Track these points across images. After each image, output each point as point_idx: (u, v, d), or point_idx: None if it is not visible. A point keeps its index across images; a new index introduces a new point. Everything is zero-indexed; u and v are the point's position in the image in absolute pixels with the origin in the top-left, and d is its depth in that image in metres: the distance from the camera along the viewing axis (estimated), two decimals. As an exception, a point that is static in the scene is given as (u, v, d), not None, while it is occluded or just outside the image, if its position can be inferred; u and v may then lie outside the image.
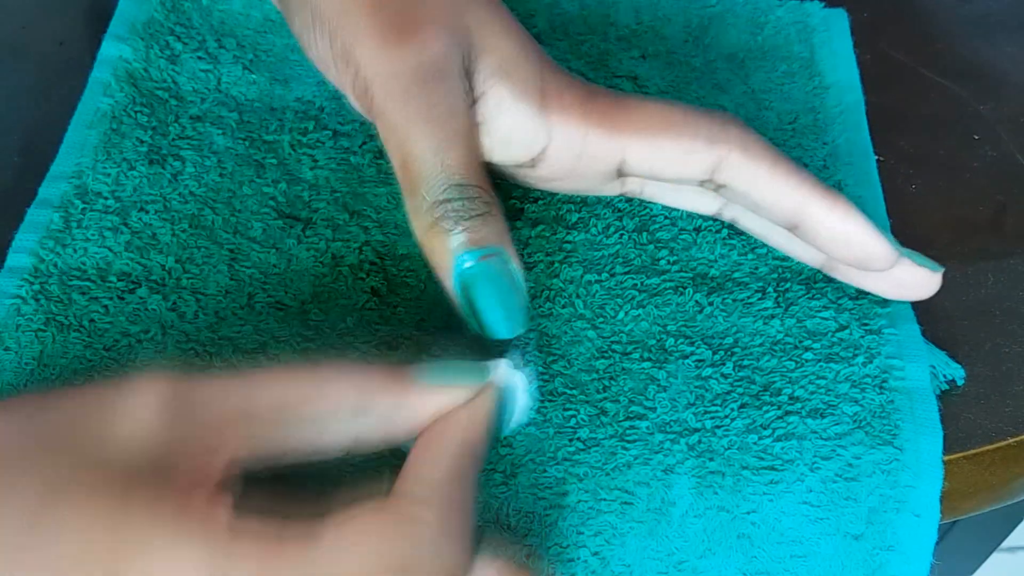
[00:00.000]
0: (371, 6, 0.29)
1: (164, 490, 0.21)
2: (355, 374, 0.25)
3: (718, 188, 0.31)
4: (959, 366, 0.32)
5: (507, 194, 0.35)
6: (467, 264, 0.27)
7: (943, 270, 0.31)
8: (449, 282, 0.28)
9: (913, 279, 0.31)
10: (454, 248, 0.28)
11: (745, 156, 0.30)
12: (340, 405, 0.24)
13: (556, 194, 0.35)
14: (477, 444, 0.25)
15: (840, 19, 0.41)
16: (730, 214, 0.33)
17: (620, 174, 0.32)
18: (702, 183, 0.31)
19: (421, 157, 0.28)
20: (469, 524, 0.24)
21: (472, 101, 0.30)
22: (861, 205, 0.35)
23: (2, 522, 0.21)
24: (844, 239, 0.30)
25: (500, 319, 0.28)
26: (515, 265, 0.28)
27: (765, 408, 0.30)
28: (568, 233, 0.34)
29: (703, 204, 0.33)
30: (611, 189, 0.33)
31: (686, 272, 0.33)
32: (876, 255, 0.30)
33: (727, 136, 0.30)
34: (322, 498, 0.23)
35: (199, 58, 0.38)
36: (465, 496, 0.24)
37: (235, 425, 0.23)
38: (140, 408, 0.22)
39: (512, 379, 0.27)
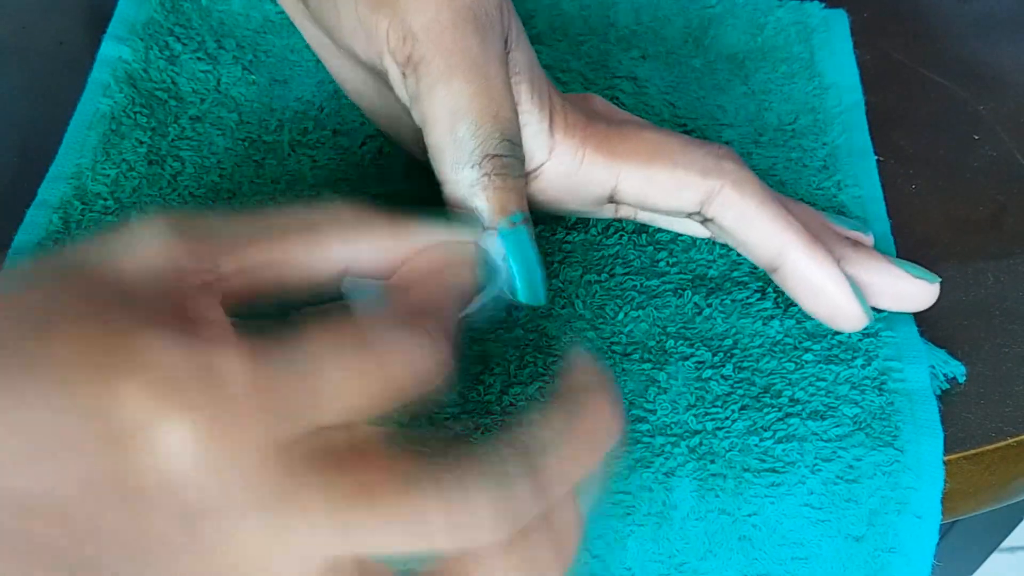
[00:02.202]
0: None
1: (158, 308, 0.21)
2: (353, 210, 0.25)
3: (705, 221, 0.31)
4: (959, 363, 0.32)
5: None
6: (512, 225, 0.28)
7: (940, 281, 0.32)
8: (491, 240, 0.28)
9: (911, 292, 0.31)
10: (506, 206, 0.28)
11: (736, 192, 0.30)
12: (335, 232, 0.25)
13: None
14: (462, 277, 0.26)
15: (840, 19, 0.41)
16: (708, 211, 0.33)
17: (612, 200, 0.32)
18: (690, 215, 0.31)
19: (471, 108, 0.28)
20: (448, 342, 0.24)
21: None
22: (861, 205, 0.36)
23: None
24: (817, 291, 0.30)
25: (528, 284, 0.28)
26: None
27: (766, 410, 0.30)
28: (568, 234, 0.34)
29: (698, 231, 0.34)
30: (604, 213, 0.33)
31: (685, 274, 0.33)
32: (846, 315, 0.30)
33: (721, 171, 0.30)
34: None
35: (199, 59, 0.38)
36: (445, 322, 0.24)
37: (232, 250, 0.23)
38: (137, 240, 0.22)
39: (498, 249, 0.28)
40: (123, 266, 0.21)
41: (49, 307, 0.20)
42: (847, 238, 0.33)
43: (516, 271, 0.28)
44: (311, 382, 0.21)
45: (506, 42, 0.29)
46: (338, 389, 0.21)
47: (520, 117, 0.29)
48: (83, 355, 0.19)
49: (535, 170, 0.30)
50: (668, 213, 0.31)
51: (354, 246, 0.25)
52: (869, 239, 0.34)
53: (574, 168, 0.30)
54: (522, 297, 0.28)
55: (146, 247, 0.22)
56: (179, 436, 0.19)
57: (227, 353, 0.20)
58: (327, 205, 0.25)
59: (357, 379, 0.21)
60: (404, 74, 0.28)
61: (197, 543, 0.20)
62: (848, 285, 0.30)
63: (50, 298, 0.20)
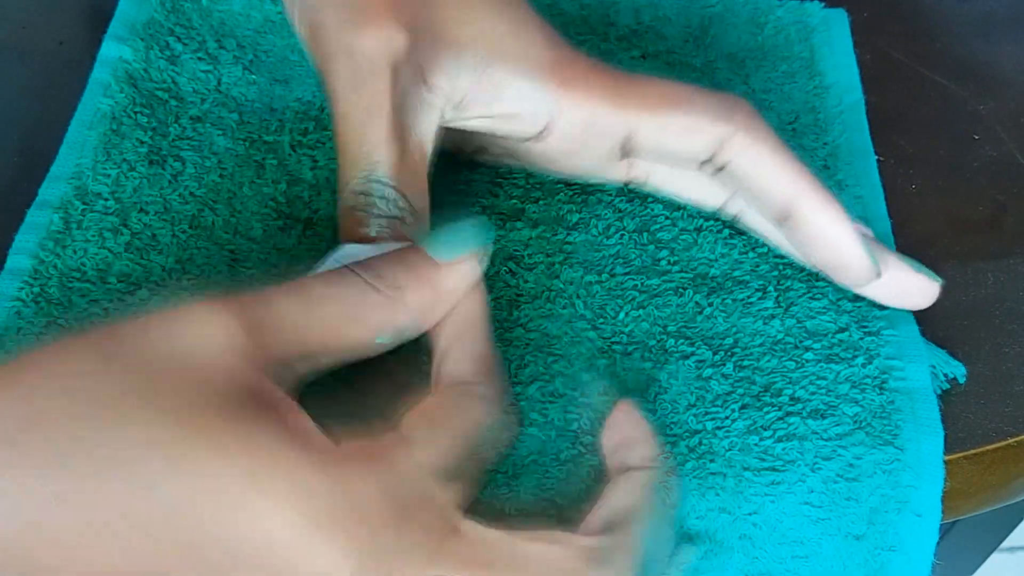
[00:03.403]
0: None
1: (260, 418, 0.22)
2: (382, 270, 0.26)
3: (718, 171, 0.31)
4: (960, 363, 0.32)
5: (508, 194, 0.35)
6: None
7: (942, 282, 0.31)
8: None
9: (912, 286, 0.31)
10: (352, 233, 0.28)
11: (749, 138, 0.30)
12: (381, 312, 0.26)
13: (557, 194, 0.35)
14: (486, 309, 0.28)
15: (840, 19, 0.41)
16: (735, 207, 0.33)
17: (625, 153, 0.32)
18: (703, 164, 0.31)
19: (353, 145, 0.29)
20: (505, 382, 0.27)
21: (420, 102, 0.30)
22: (861, 205, 0.36)
23: (128, 461, 0.21)
24: (827, 241, 0.30)
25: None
26: None
27: (766, 409, 0.30)
28: (568, 234, 0.34)
29: (708, 195, 0.33)
30: (617, 172, 0.33)
31: (687, 272, 0.33)
32: (856, 265, 0.30)
33: (733, 117, 0.30)
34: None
35: (199, 59, 0.38)
36: (497, 359, 0.27)
37: (295, 336, 0.24)
38: (214, 337, 0.23)
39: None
40: (203, 362, 0.22)
41: (150, 414, 0.21)
42: None
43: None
44: (434, 496, 0.23)
45: (425, 54, 0.29)
46: (453, 493, 0.23)
47: (511, 93, 0.30)
48: (227, 466, 0.21)
49: (546, 127, 0.31)
50: (681, 160, 0.31)
51: (392, 318, 0.26)
52: (868, 232, 0.33)
53: (585, 118, 0.30)
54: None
55: (215, 339, 0.23)
56: (334, 563, 0.21)
57: (364, 476, 0.22)
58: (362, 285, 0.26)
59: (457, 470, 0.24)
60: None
61: None
62: (859, 238, 0.30)
63: (144, 398, 0.21)
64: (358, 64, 0.29)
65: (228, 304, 0.23)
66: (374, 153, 0.28)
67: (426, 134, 0.30)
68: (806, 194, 0.30)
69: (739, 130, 0.30)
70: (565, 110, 0.30)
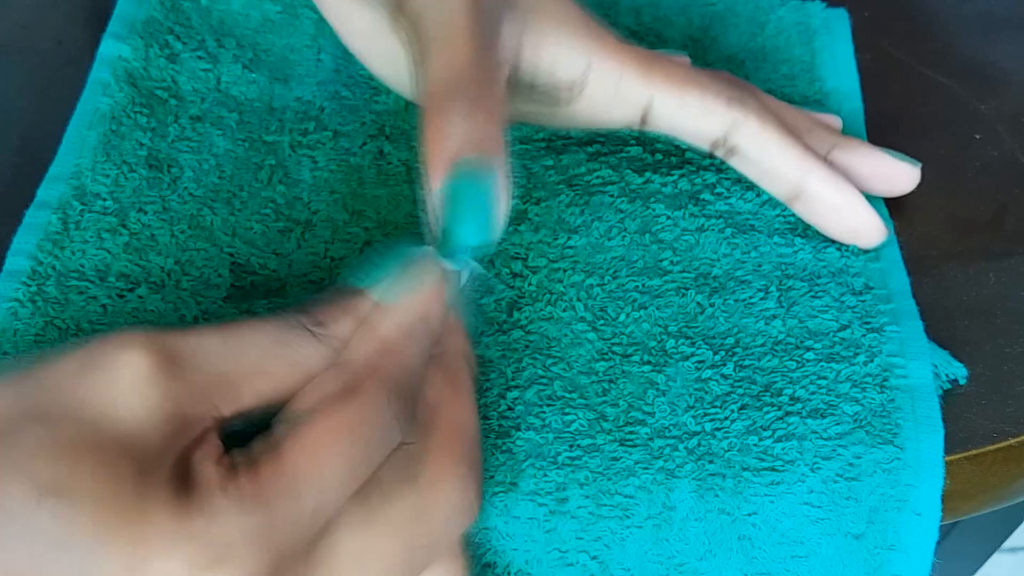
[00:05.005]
0: None
1: (160, 474, 0.21)
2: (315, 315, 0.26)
3: (729, 152, 0.33)
4: (961, 365, 0.32)
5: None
6: (467, 167, 0.26)
7: (920, 165, 0.35)
8: (441, 171, 0.27)
9: (896, 172, 0.35)
10: (455, 145, 0.27)
11: (760, 122, 0.33)
12: (313, 353, 0.25)
13: (559, 196, 0.35)
14: (425, 310, 0.26)
15: (841, 21, 0.41)
16: (734, 140, 0.33)
17: (644, 122, 0.33)
18: (714, 144, 0.33)
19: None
20: (405, 384, 0.25)
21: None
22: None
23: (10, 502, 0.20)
24: (840, 210, 0.33)
25: (475, 227, 0.27)
26: (501, 189, 0.27)
27: (765, 409, 0.30)
28: (569, 238, 0.34)
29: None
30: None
31: (688, 272, 0.33)
32: (869, 227, 0.33)
33: (746, 101, 0.33)
34: None
35: (199, 57, 0.38)
36: (399, 360, 0.25)
37: (219, 381, 0.24)
38: (128, 374, 0.22)
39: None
40: (115, 408, 0.22)
41: (46, 466, 0.21)
42: (830, 127, 0.36)
43: (460, 212, 0.27)
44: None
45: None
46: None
47: (553, 42, 0.31)
48: (112, 524, 0.20)
49: (579, 80, 0.32)
50: (694, 138, 0.33)
51: (324, 361, 0.25)
52: (838, 121, 0.37)
53: (612, 85, 0.32)
54: (460, 240, 0.27)
55: (136, 384, 0.22)
56: None
57: (246, 532, 0.21)
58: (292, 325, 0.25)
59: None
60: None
61: None
62: (867, 203, 0.33)
63: (42, 450, 0.21)
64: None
65: (140, 338, 0.23)
66: (463, 55, 0.28)
67: (503, 54, 0.30)
68: (813, 171, 0.33)
69: (751, 115, 0.32)
70: (596, 69, 0.32)
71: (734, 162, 0.34)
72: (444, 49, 0.28)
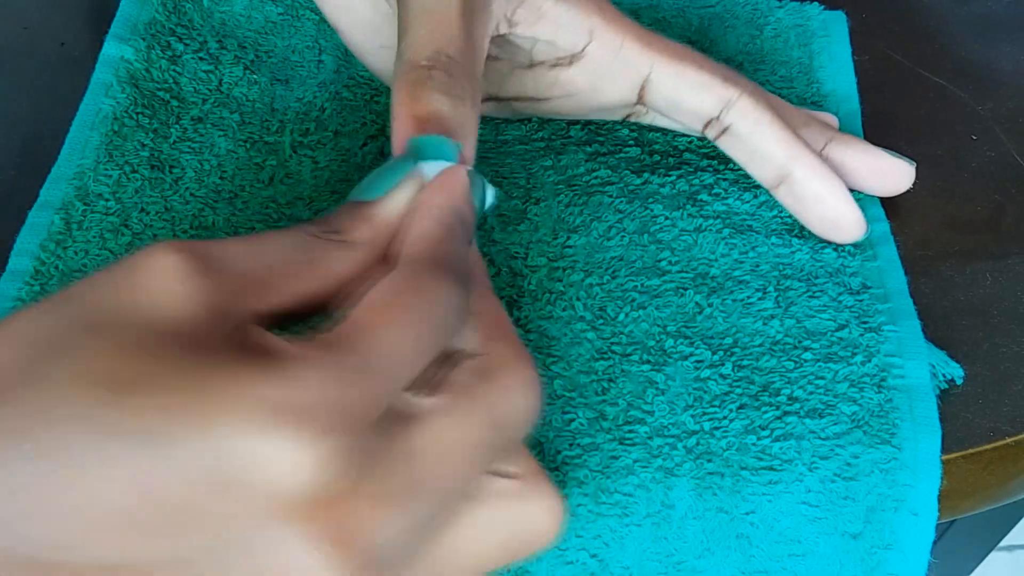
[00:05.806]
0: None
1: (217, 354, 0.21)
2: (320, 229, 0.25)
3: (721, 133, 0.34)
4: (958, 365, 0.32)
5: (509, 195, 0.35)
6: (423, 136, 0.27)
7: (915, 164, 0.35)
8: (403, 135, 0.27)
9: (889, 169, 0.35)
10: (427, 111, 0.28)
11: (754, 101, 0.33)
12: (330, 253, 0.25)
13: (558, 196, 0.35)
14: (459, 207, 0.26)
15: (839, 23, 0.42)
16: (727, 119, 0.34)
17: (640, 97, 0.34)
18: (708, 124, 0.34)
19: (424, 19, 0.29)
20: (461, 271, 0.25)
21: (483, 6, 0.30)
22: (860, 205, 0.36)
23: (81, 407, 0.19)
24: (822, 200, 0.34)
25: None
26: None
27: (764, 409, 0.30)
28: (569, 237, 0.34)
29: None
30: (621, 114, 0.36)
31: (687, 272, 0.33)
32: (848, 220, 0.34)
33: (740, 82, 0.34)
34: None
35: (201, 59, 0.38)
36: (451, 248, 0.25)
37: (249, 279, 0.23)
38: (164, 275, 0.22)
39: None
40: (154, 312, 0.21)
41: (106, 365, 0.20)
42: (827, 125, 0.36)
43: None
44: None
45: None
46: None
47: (553, 14, 0.32)
48: (191, 405, 0.19)
49: (580, 51, 0.33)
50: (688, 117, 0.34)
51: (352, 264, 0.25)
52: (835, 120, 0.37)
53: (613, 51, 0.33)
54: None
55: (171, 286, 0.22)
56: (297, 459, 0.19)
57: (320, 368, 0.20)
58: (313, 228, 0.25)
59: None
60: None
61: None
62: (850, 195, 0.34)
63: (98, 353, 0.20)
64: None
65: (170, 244, 0.23)
66: (448, 30, 0.29)
67: (483, 38, 0.31)
68: (800, 158, 0.33)
69: (746, 94, 0.33)
70: (598, 36, 0.33)
71: (724, 144, 0.34)
72: (429, 19, 0.29)
